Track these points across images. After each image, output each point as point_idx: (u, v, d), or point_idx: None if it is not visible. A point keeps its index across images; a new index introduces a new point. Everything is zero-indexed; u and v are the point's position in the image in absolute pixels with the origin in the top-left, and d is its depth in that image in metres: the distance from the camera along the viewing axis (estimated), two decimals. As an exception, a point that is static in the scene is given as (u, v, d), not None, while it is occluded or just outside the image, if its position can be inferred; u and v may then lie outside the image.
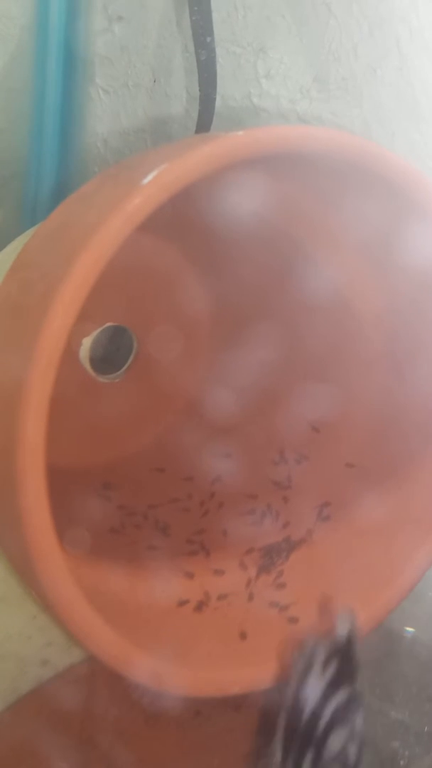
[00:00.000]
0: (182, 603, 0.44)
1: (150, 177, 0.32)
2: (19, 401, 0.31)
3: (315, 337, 0.49)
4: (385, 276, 0.44)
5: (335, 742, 0.37)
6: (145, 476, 0.52)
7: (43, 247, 0.36)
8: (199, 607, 0.44)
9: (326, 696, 0.38)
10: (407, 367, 0.46)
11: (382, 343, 0.46)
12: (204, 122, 0.52)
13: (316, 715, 0.37)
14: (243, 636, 0.43)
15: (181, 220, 0.42)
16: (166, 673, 0.38)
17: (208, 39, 0.49)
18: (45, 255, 0.35)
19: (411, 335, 0.45)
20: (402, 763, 0.43)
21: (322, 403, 0.49)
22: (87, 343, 0.48)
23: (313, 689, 0.38)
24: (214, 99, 0.52)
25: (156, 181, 0.32)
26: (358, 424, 0.49)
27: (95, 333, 0.49)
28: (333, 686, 0.38)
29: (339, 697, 0.38)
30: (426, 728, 0.45)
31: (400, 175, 0.37)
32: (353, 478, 0.48)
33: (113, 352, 0.51)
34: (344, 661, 0.39)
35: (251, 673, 0.41)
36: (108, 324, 0.50)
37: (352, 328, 0.47)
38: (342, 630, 0.40)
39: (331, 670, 0.38)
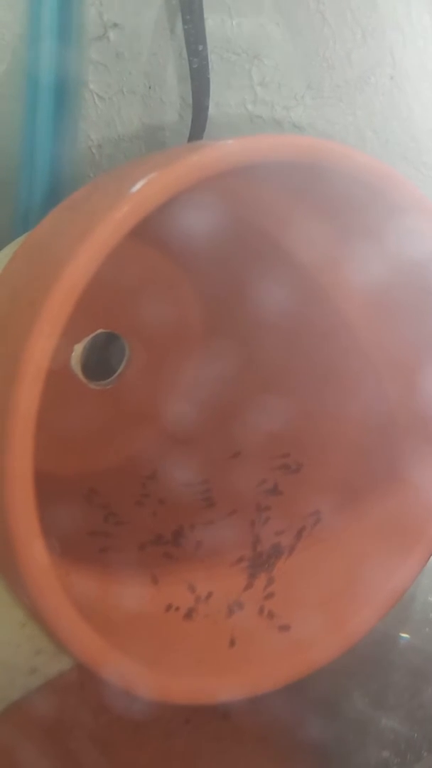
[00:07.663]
0: (172, 609, 0.44)
1: (138, 186, 0.33)
2: (5, 413, 0.31)
3: (309, 348, 0.50)
4: (364, 281, 0.45)
5: None
6: (135, 483, 0.52)
7: (32, 256, 0.36)
8: (189, 613, 0.44)
9: None
10: (389, 379, 0.46)
11: (366, 355, 0.47)
12: (197, 130, 0.52)
13: None
14: (232, 643, 0.43)
15: (171, 226, 0.42)
16: (154, 681, 0.38)
17: (200, 47, 0.49)
18: (33, 264, 0.35)
19: (386, 350, 0.46)
20: (393, 771, 0.43)
21: (316, 413, 0.50)
22: (78, 349, 0.48)
23: None
24: (207, 107, 0.52)
25: (144, 191, 0.33)
26: (346, 436, 0.49)
27: (87, 340, 0.49)
28: None
29: None
30: (416, 735, 0.45)
31: (374, 178, 0.37)
32: (340, 489, 0.48)
33: (105, 359, 0.51)
34: None
35: (240, 681, 0.41)
36: (99, 330, 0.50)
37: (338, 342, 0.47)
38: None
39: None
